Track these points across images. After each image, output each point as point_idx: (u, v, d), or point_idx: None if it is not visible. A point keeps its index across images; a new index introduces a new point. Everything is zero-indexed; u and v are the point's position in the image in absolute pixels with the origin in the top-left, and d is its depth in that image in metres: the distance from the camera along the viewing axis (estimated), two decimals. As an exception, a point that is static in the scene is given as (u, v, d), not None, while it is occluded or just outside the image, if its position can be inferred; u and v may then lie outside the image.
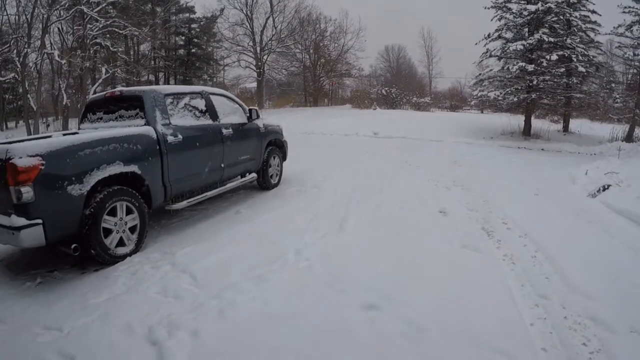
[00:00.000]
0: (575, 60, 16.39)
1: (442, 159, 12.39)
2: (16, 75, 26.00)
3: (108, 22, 25.59)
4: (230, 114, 7.79)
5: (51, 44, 27.47)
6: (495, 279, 4.45)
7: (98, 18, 25.03)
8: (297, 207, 7.40)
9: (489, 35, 18.64)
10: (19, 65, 25.32)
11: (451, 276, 4.47)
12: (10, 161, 4.28)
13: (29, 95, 27.04)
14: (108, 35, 27.76)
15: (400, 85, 41.10)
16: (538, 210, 6.93)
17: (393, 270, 4.60)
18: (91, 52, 27.68)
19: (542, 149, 15.72)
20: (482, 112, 33.07)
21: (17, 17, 29.82)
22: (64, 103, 26.69)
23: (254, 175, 8.45)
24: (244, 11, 40.67)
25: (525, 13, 17.38)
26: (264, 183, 8.85)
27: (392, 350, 3.22)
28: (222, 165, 7.29)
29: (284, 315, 3.76)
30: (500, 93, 17.75)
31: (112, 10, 27.13)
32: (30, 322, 3.97)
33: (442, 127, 19.98)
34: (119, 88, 6.90)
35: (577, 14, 17.05)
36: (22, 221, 4.36)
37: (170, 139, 6.08)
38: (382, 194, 7.96)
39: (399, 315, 3.67)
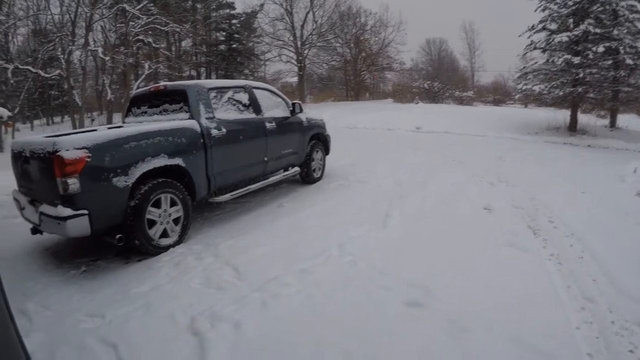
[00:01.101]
0: (622, 52, 15.77)
1: (486, 154, 12.13)
2: (61, 72, 26.49)
3: (149, 20, 25.89)
4: (274, 108, 7.80)
5: (94, 41, 28.00)
6: (541, 279, 4.28)
7: (140, 15, 25.35)
8: (340, 201, 7.37)
9: (532, 26, 18.08)
10: (63, 63, 25.80)
11: (496, 275, 4.33)
12: (58, 153, 4.36)
13: (74, 91, 27.56)
14: (150, 32, 28.06)
15: (442, 79, 40.71)
16: (585, 209, 6.64)
17: (437, 267, 4.48)
18: (134, 48, 28.09)
19: (589, 145, 15.14)
20: (526, 107, 32.49)
21: (61, 17, 30.44)
22: (108, 98, 27.18)
23: (296, 169, 8.44)
24: (284, 6, 40.90)
25: (570, 3, 16.79)
26: (307, 177, 8.84)
27: (435, 348, 3.15)
28: (265, 158, 7.29)
29: (328, 311, 3.72)
30: (545, 87, 17.14)
31: (153, 8, 27.39)
32: (73, 309, 4.06)
33: (486, 121, 19.57)
34: (164, 83, 6.96)
35: (623, 3, 16.15)
36: (68, 211, 4.44)
37: (214, 132, 6.10)
38: (425, 188, 7.84)
39: (443, 313, 3.58)
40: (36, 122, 45.12)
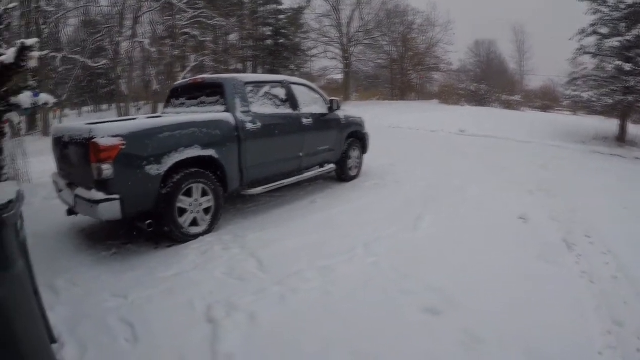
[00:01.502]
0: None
1: (529, 161, 11.80)
2: (107, 62, 27.07)
3: (196, 13, 26.25)
4: (311, 104, 7.83)
5: (142, 33, 28.52)
6: (569, 297, 4.08)
7: (186, 9, 25.73)
8: (373, 200, 7.34)
9: (583, 30, 17.42)
10: (111, 53, 26.38)
11: (521, 287, 4.18)
12: (93, 140, 4.53)
13: (120, 81, 28.14)
14: (196, 25, 28.43)
15: (490, 82, 40.03)
16: (626, 226, 6.30)
17: (461, 274, 4.40)
18: (180, 41, 28.49)
19: (637, 158, 14.49)
20: (575, 114, 31.79)
21: (110, 9, 31.06)
22: (154, 89, 27.66)
23: (332, 166, 8.42)
24: (331, 2, 40.78)
25: (622, 6, 16.02)
26: (343, 174, 8.82)
27: (447, 357, 3.11)
28: (301, 154, 7.34)
29: (343, 309, 3.74)
30: (595, 94, 16.49)
31: (200, 2, 27.75)
32: (100, 288, 4.24)
33: (532, 127, 19.12)
34: (202, 75, 7.10)
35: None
36: (100, 195, 4.62)
37: (248, 126, 6.18)
38: (462, 193, 7.72)
39: (459, 322, 3.50)
40: (84, 109, 46.20)
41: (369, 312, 3.70)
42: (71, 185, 5.42)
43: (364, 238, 5.37)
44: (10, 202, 2.57)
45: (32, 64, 7.45)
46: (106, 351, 3.23)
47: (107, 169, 4.56)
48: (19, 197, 2.84)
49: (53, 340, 3.26)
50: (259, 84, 6.83)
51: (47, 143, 6.10)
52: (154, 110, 25.22)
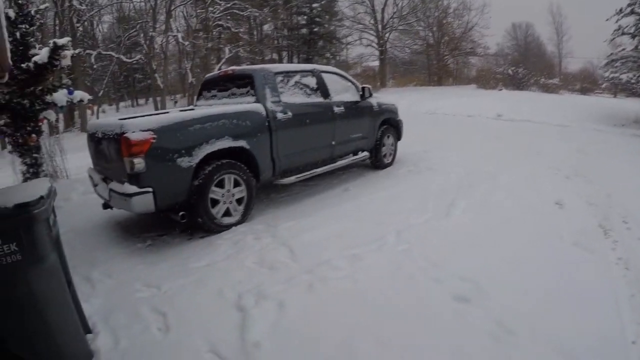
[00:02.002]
0: None
1: (566, 145, 11.46)
2: (142, 57, 27.46)
3: (229, 5, 26.39)
4: (343, 92, 7.78)
5: (177, 28, 28.88)
6: (603, 285, 3.94)
7: (219, 1, 25.87)
8: (406, 187, 7.27)
9: (620, 10, 16.77)
10: (145, 48, 26.73)
11: (555, 275, 4.05)
12: (125, 135, 4.63)
13: (156, 75, 28.53)
14: (229, 17, 28.60)
15: (528, 65, 39.22)
16: None
17: (493, 262, 4.30)
18: (214, 33, 28.70)
19: None
20: (615, 97, 31.06)
21: (144, 4, 31.47)
22: (189, 81, 27.99)
23: (366, 153, 8.36)
24: (364, -12, 40.58)
25: None
26: (377, 162, 8.78)
27: (474, 349, 3.03)
28: (333, 142, 7.32)
29: (371, 297, 3.73)
30: (634, 75, 16.18)
31: (233, -7, 27.95)
32: (133, 279, 4.35)
33: (570, 111, 18.66)
34: (232, 67, 7.15)
35: None
36: (133, 189, 4.73)
37: (279, 115, 6.21)
38: (497, 179, 7.55)
39: (490, 312, 3.42)
40: (122, 103, 47.12)
41: (397, 300, 3.67)
42: (106, 179, 5.57)
43: (395, 226, 5.33)
44: (41, 198, 2.65)
45: (65, 62, 7.62)
46: (139, 340, 3.30)
47: (139, 163, 4.65)
48: (51, 193, 2.92)
49: (88, 330, 3.36)
50: (288, 74, 6.84)
51: (84, 139, 6.23)
52: (191, 103, 25.52)
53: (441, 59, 44.79)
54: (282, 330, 3.29)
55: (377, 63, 44.02)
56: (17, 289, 2.59)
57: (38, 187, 2.84)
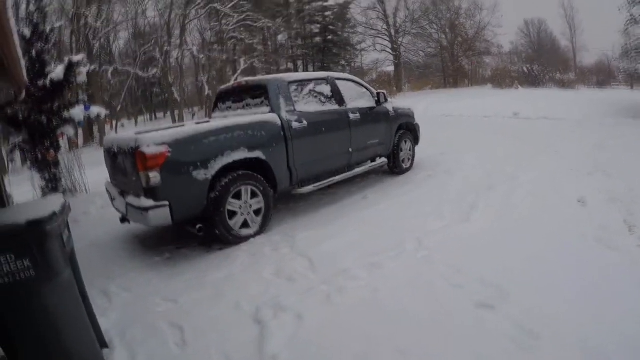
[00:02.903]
0: None
1: (585, 141, 11.26)
2: (158, 72, 27.73)
3: (242, 17, 26.57)
4: (358, 99, 7.75)
5: (191, 41, 29.16)
6: (628, 284, 3.76)
7: (232, 14, 26.06)
8: (425, 192, 7.20)
9: None
10: (161, 62, 26.98)
11: (579, 277, 3.92)
12: (139, 149, 4.65)
13: (173, 88, 28.79)
14: (243, 29, 28.79)
15: (543, 61, 39.04)
16: None
17: (515, 265, 4.18)
18: (229, 45, 28.92)
19: None
20: (632, 88, 30.74)
21: (159, 19, 31.84)
22: (206, 94, 28.18)
23: (384, 159, 8.33)
24: (375, -6, 40.71)
25: None
26: (395, 168, 8.71)
27: (497, 356, 2.93)
28: (350, 149, 7.28)
29: (391, 306, 3.65)
30: None
31: (245, 5, 28.09)
32: (151, 293, 4.35)
33: (587, 106, 18.49)
34: (246, 78, 7.17)
35: None
36: (150, 203, 4.74)
37: (295, 125, 6.20)
38: (516, 179, 7.43)
39: (513, 317, 3.30)
40: (140, 117, 47.56)
41: (417, 308, 3.59)
42: (123, 193, 5.56)
43: (415, 232, 5.25)
44: (54, 214, 2.64)
45: (81, 78, 7.69)
46: (155, 355, 3.28)
47: (155, 177, 4.65)
48: (64, 209, 2.92)
49: (104, 345, 3.35)
50: (302, 83, 6.83)
51: (103, 154, 6.28)
52: (208, 115, 25.80)
53: (456, 61, 44.81)
54: (300, 343, 3.24)
55: (392, 68, 44.16)
56: (31, 305, 2.58)
57: (51, 204, 2.84)
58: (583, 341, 2.99)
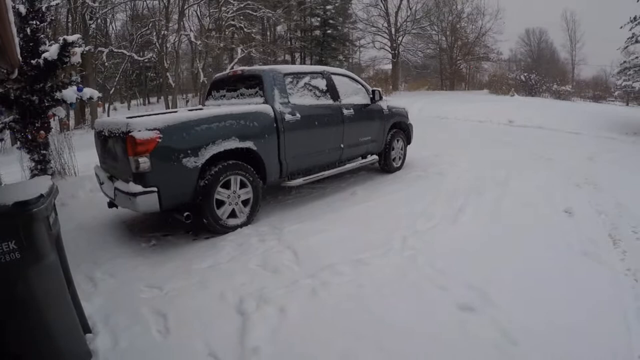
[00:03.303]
0: None
1: (577, 153, 11.28)
2: (154, 56, 27.59)
3: (242, 5, 26.45)
4: (352, 95, 7.75)
5: (189, 26, 29.03)
6: (611, 297, 3.82)
7: (231, 1, 25.93)
8: (415, 192, 7.19)
9: (635, 18, 16.68)
10: (158, 46, 26.85)
11: (562, 286, 3.96)
12: (130, 134, 4.62)
13: (168, 74, 28.65)
14: (242, 17, 28.66)
15: (541, 71, 39.08)
16: None
17: (500, 271, 4.21)
18: (227, 33, 28.78)
19: None
20: (627, 104, 30.90)
21: (158, 2, 31.66)
22: (201, 81, 28.06)
23: (375, 157, 8.33)
24: (378, -8, 40.56)
25: None
26: (386, 166, 8.72)
27: (478, 358, 2.98)
28: (342, 145, 7.28)
29: (375, 304, 3.66)
30: None
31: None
32: (136, 279, 4.34)
33: (582, 118, 18.42)
34: (241, 67, 7.13)
35: None
36: (138, 188, 4.72)
37: (288, 117, 6.19)
38: (506, 186, 7.46)
39: (495, 322, 3.33)
40: (133, 102, 47.35)
41: (401, 308, 3.60)
42: (112, 178, 5.55)
43: (402, 231, 5.27)
44: (41, 196, 2.62)
45: (75, 59, 7.62)
46: (138, 342, 3.28)
47: (144, 162, 4.63)
48: (52, 192, 2.90)
49: (88, 330, 3.34)
50: (298, 75, 6.81)
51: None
52: (203, 103, 25.76)
53: (454, 64, 44.84)
54: (282, 336, 3.25)
55: (389, 66, 44.01)
56: (15, 288, 2.56)
57: (39, 185, 2.82)
58: (564, 351, 3.02)
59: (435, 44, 44.78)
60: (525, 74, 34.66)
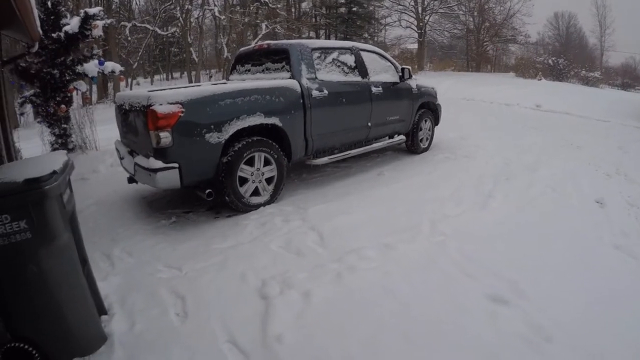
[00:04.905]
0: None
1: (607, 141, 10.88)
2: (178, 31, 27.50)
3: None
4: (381, 72, 7.52)
5: (213, 1, 28.80)
6: None
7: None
8: (442, 174, 7.01)
9: None
10: (181, 21, 26.75)
11: (595, 281, 3.73)
12: (151, 107, 4.45)
13: (191, 49, 28.57)
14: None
15: (569, 56, 38.36)
16: None
17: (531, 261, 4.02)
18: (251, 8, 28.58)
19: None
20: (657, 94, 30.26)
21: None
22: (225, 56, 27.94)
23: (402, 137, 8.12)
24: (405, -31, 39.97)
25: None
26: (413, 147, 8.51)
27: (508, 355, 2.78)
28: (369, 124, 7.09)
29: (401, 291, 3.48)
30: None
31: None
32: (154, 258, 4.21)
33: (611, 106, 17.85)
34: (268, 41, 6.94)
35: None
36: (159, 164, 4.56)
37: (315, 93, 5.99)
38: (535, 172, 7.19)
39: (526, 316, 3.14)
40: (156, 76, 47.52)
41: (429, 295, 3.44)
42: (132, 152, 5.42)
43: (430, 216, 5.08)
44: (54, 172, 2.48)
45: (97, 32, 7.49)
46: (155, 325, 3.13)
47: (166, 137, 4.47)
48: (66, 168, 2.75)
49: (104, 311, 3.22)
50: (326, 50, 6.59)
51: (116, 111, 6.12)
52: (226, 78, 25.73)
53: (480, 45, 44.13)
54: (306, 323, 3.08)
55: (415, 46, 43.46)
56: (26, 269, 2.45)
57: (53, 161, 2.67)
58: (597, 347, 2.86)
59: (462, 25, 44.08)
60: (554, 59, 33.92)
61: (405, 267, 3.88)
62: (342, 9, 37.72)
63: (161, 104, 4.47)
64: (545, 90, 21.47)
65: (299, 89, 5.83)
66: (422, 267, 3.87)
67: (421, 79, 8.65)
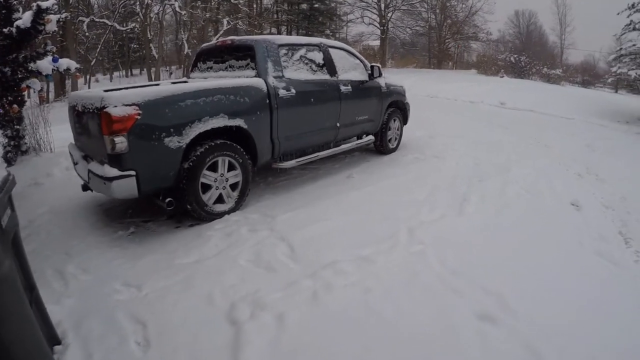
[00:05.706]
0: None
1: (574, 139, 11.12)
2: (137, 26, 26.98)
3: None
4: (350, 70, 7.29)
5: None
6: (632, 305, 3.54)
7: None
8: (414, 176, 6.81)
9: (633, 5, 16.52)
10: (141, 16, 26.24)
11: (581, 291, 3.64)
12: (105, 110, 4.09)
13: (151, 45, 28.06)
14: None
15: (530, 54, 38.97)
16: None
17: (515, 271, 3.87)
18: (212, 4, 28.25)
19: None
20: (616, 92, 30.88)
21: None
22: (185, 52, 27.54)
23: (371, 137, 7.94)
24: (367, -34, 40.13)
25: None
26: (381, 147, 8.32)
27: None
28: (338, 124, 6.85)
29: (385, 310, 3.24)
30: None
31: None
32: (112, 276, 3.87)
33: (574, 103, 18.33)
34: (231, 37, 6.62)
35: None
36: (114, 172, 4.20)
37: (282, 92, 5.72)
38: (508, 173, 7.11)
39: (517, 334, 2.98)
40: (116, 74, 46.83)
41: (415, 314, 3.21)
42: (86, 158, 5.04)
43: (407, 222, 4.86)
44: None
45: (50, 27, 7.10)
46: (114, 356, 2.83)
47: (121, 142, 4.11)
48: (4, 185, 2.41)
49: (57, 341, 2.91)
50: (293, 47, 6.33)
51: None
52: (187, 75, 25.37)
53: (442, 42, 44.71)
54: (282, 351, 2.82)
55: (377, 42, 43.66)
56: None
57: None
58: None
59: (424, 22, 44.63)
60: (516, 56, 34.39)
61: (386, 282, 3.64)
62: (304, 5, 37.76)
63: (116, 106, 4.10)
64: (508, 87, 21.89)
65: (265, 88, 5.55)
66: (405, 282, 3.65)
67: (387, 77, 8.45)
